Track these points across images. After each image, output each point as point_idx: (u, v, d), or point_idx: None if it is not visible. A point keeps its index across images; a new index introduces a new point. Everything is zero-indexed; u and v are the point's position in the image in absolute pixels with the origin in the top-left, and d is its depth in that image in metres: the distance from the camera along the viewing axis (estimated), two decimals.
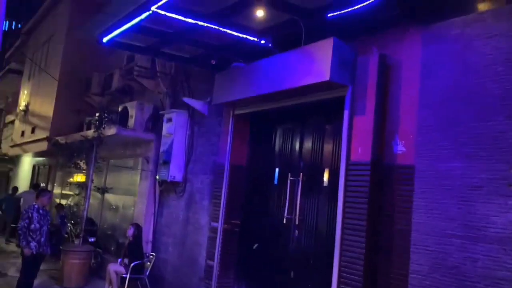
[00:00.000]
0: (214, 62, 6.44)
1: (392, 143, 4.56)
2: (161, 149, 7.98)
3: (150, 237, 8.34)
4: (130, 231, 7.51)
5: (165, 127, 7.97)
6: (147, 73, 9.03)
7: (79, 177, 11.60)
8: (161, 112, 8.30)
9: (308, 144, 5.95)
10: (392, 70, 4.68)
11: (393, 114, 4.60)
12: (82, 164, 9.37)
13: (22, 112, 15.44)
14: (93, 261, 9.03)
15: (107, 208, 10.57)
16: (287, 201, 5.87)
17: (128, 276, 7.03)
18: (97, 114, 8.88)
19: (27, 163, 16.99)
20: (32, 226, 6.44)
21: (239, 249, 6.71)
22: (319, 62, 4.83)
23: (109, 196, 10.35)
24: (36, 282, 7.69)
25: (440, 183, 4.00)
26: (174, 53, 6.49)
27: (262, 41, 5.45)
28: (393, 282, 4.30)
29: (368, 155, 4.58)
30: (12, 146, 16.20)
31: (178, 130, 7.77)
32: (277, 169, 6.38)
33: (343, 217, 4.72)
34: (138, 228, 7.61)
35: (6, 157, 18.54)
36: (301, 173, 5.86)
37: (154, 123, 8.79)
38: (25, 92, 15.95)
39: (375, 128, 4.59)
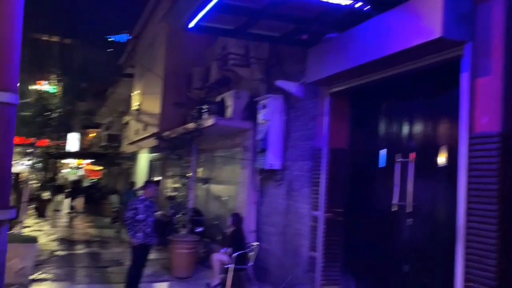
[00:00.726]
0: (305, 37, 5.94)
1: None
2: (258, 137, 7.73)
3: (253, 226, 8.18)
4: (231, 221, 7.40)
5: (261, 114, 7.70)
6: (241, 61, 8.88)
7: (186, 169, 11.97)
8: (255, 99, 8.05)
9: (417, 119, 5.15)
10: None
11: None
12: (186, 157, 9.58)
13: (136, 112, 16.58)
14: (201, 251, 9.19)
15: (212, 199, 10.73)
16: (397, 186, 5.16)
17: (231, 266, 6.90)
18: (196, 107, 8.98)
19: (143, 159, 18.25)
20: (138, 216, 6.62)
21: (344, 240, 6.16)
22: (427, 17, 4.06)
23: (213, 187, 10.49)
24: (149, 271, 8.02)
25: None
26: (263, 33, 6.12)
27: (358, 4, 4.80)
28: None
29: (497, 125, 3.72)
30: (128, 144, 17.53)
31: (274, 116, 7.43)
32: (383, 151, 5.67)
33: (467, 202, 3.91)
34: (237, 217, 7.47)
35: (126, 155, 20.20)
36: (412, 153, 5.09)
37: (251, 111, 8.59)
38: (137, 92, 17.11)
39: (505, 90, 3.71)
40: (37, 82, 26.62)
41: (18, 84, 1.62)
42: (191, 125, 9.02)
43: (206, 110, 9.20)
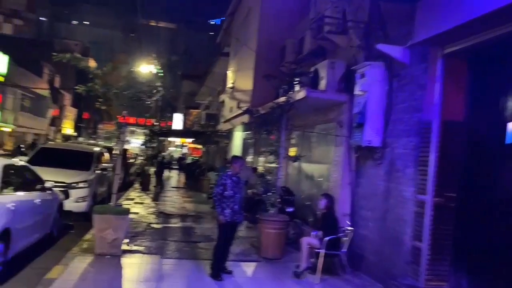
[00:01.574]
0: None
1: None
2: (354, 110, 6.93)
3: (348, 209, 7.47)
4: (322, 203, 6.79)
5: (358, 84, 6.87)
6: (337, 27, 8.07)
7: (277, 147, 11.56)
8: (352, 68, 7.22)
9: None
10: None
11: None
12: (276, 133, 9.12)
13: (230, 90, 16.56)
14: (291, 232, 8.74)
15: (304, 178, 10.18)
16: None
17: (322, 251, 6.33)
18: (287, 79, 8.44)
19: (238, 137, 18.31)
20: (226, 193, 6.33)
21: (456, 230, 5.20)
22: None
23: (305, 165, 9.93)
24: (237, 249, 7.80)
25: None
26: None
27: None
28: None
29: None
30: (224, 122, 17.65)
31: (373, 86, 6.57)
32: (510, 124, 4.58)
33: None
34: (330, 199, 6.83)
35: (223, 133, 20.48)
36: None
37: (347, 83, 7.78)
38: (231, 70, 17.05)
39: None
40: (144, 64, 28.28)
41: None
42: (281, 99, 8.50)
43: (297, 82, 8.59)
